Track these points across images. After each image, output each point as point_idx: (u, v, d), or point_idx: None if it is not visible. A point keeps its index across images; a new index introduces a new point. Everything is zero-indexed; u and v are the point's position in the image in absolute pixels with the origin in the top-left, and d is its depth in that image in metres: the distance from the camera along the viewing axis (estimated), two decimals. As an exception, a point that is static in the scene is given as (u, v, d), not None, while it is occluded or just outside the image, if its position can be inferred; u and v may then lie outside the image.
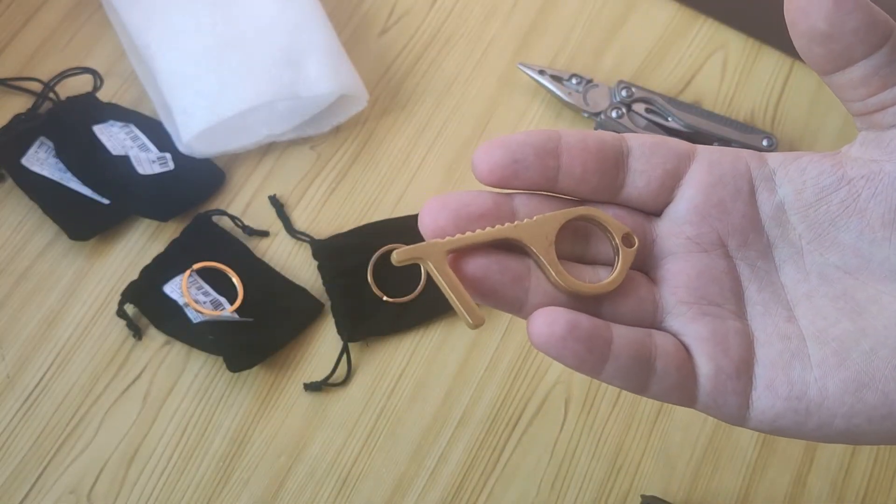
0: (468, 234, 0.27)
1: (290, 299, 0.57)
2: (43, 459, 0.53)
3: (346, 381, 0.56)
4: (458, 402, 0.56)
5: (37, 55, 0.62)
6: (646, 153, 0.29)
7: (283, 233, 0.59)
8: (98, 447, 0.53)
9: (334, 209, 0.60)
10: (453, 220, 0.27)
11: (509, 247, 0.28)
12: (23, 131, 0.58)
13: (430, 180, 0.62)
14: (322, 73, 0.59)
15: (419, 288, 0.58)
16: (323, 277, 0.58)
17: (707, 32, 0.68)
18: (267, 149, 0.62)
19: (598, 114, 0.63)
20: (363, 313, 0.57)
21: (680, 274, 0.29)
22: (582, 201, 0.30)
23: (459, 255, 0.27)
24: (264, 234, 0.59)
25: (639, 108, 0.63)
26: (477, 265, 0.27)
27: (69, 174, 0.58)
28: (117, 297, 0.56)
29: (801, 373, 0.28)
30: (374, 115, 0.63)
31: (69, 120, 0.59)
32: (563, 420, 0.56)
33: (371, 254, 0.58)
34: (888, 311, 0.28)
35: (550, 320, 0.26)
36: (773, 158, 0.30)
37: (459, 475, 0.55)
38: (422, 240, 0.28)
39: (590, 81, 0.64)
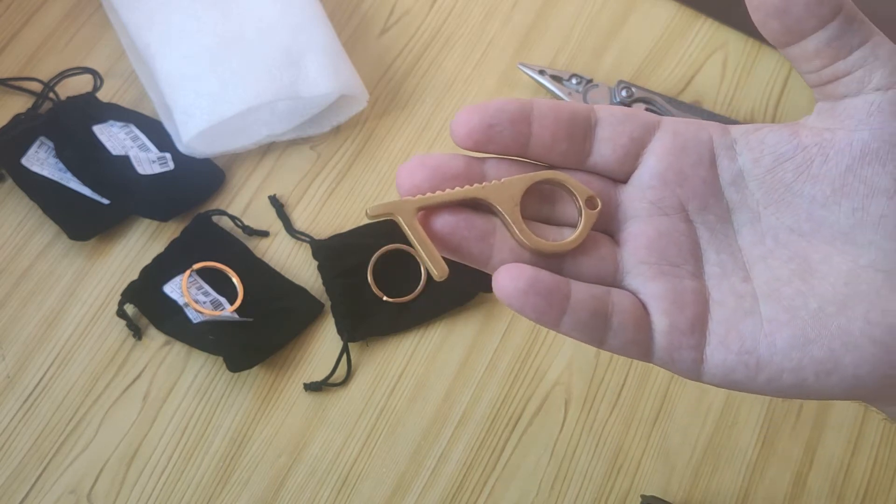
0: (438, 192, 0.29)
1: (290, 299, 0.57)
2: (43, 459, 0.53)
3: (346, 381, 0.56)
4: (458, 402, 0.56)
5: (37, 55, 0.62)
6: (613, 123, 0.31)
7: (283, 233, 0.59)
8: (98, 447, 0.53)
9: (334, 209, 0.60)
10: (427, 180, 0.29)
11: (478, 206, 0.30)
12: (23, 131, 0.58)
13: (430, 180, 0.62)
14: (322, 73, 0.59)
15: (419, 288, 0.58)
16: (323, 277, 0.58)
17: (707, 32, 0.68)
18: (267, 149, 0.62)
19: (598, 114, 0.63)
20: (363, 313, 0.57)
21: (640, 235, 0.31)
22: (552, 167, 0.31)
23: (430, 212, 0.29)
24: (264, 234, 0.59)
25: (639, 108, 0.63)
26: (445, 222, 0.29)
27: (69, 174, 0.58)
28: (117, 297, 0.56)
29: (752, 329, 0.29)
30: (374, 115, 0.63)
31: (69, 120, 0.59)
32: (563, 420, 0.56)
33: (371, 254, 0.58)
34: (837, 272, 0.29)
35: (513, 275, 0.28)
36: (735, 129, 0.32)
37: (459, 475, 0.55)
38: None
39: (590, 81, 0.64)
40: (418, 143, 0.63)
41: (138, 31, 0.60)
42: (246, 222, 0.59)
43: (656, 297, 0.30)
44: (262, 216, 0.60)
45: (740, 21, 0.68)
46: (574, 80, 0.63)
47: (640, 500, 0.55)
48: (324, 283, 0.58)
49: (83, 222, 0.57)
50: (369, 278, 0.57)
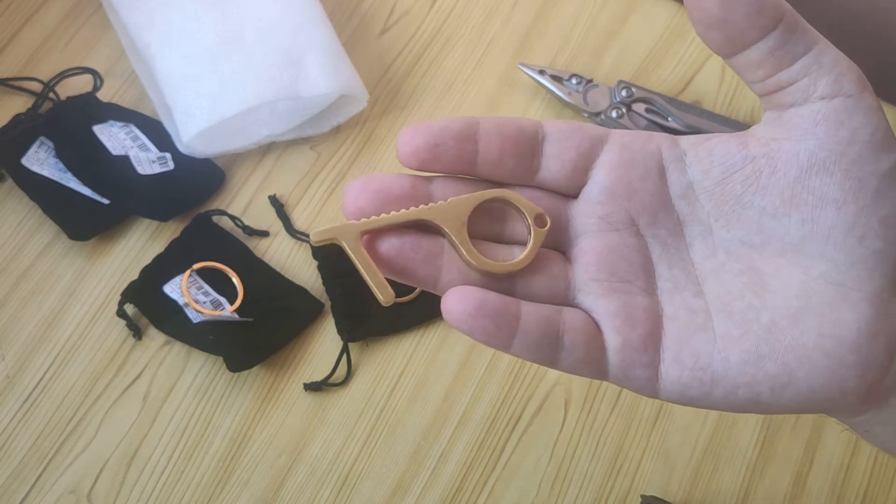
0: (383, 215, 0.28)
1: (290, 299, 0.57)
2: (43, 459, 0.53)
3: (346, 381, 0.56)
4: (458, 402, 0.56)
5: (37, 55, 0.62)
6: (560, 138, 0.30)
7: (283, 233, 0.60)
8: (98, 447, 0.53)
9: (334, 209, 0.60)
10: (372, 202, 0.29)
11: (424, 227, 0.29)
12: (23, 131, 0.58)
13: (430, 180, 0.62)
14: (322, 73, 0.59)
15: (419, 288, 0.58)
16: (323, 277, 0.58)
17: (707, 32, 0.68)
18: (267, 149, 0.62)
19: (598, 114, 0.63)
20: (363, 313, 0.57)
21: (591, 252, 0.30)
22: (500, 184, 0.31)
23: (375, 235, 0.29)
24: (264, 234, 0.59)
25: (639, 108, 0.63)
26: (389, 245, 0.29)
27: (69, 174, 0.58)
28: (117, 297, 0.56)
29: (706, 344, 0.29)
30: (374, 115, 0.63)
31: (69, 120, 0.59)
32: (563, 420, 0.56)
33: (371, 254, 0.58)
34: (789, 285, 0.29)
35: (460, 298, 0.27)
36: (685, 140, 0.31)
37: (459, 475, 0.55)
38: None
39: (590, 81, 0.64)
40: (418, 143, 0.63)
41: (138, 31, 0.60)
42: (246, 222, 0.59)
43: (608, 315, 0.29)
44: (262, 216, 0.60)
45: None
46: (574, 80, 0.63)
47: (640, 500, 0.55)
48: (324, 283, 0.58)
49: (83, 222, 0.57)
50: (369, 278, 0.57)
